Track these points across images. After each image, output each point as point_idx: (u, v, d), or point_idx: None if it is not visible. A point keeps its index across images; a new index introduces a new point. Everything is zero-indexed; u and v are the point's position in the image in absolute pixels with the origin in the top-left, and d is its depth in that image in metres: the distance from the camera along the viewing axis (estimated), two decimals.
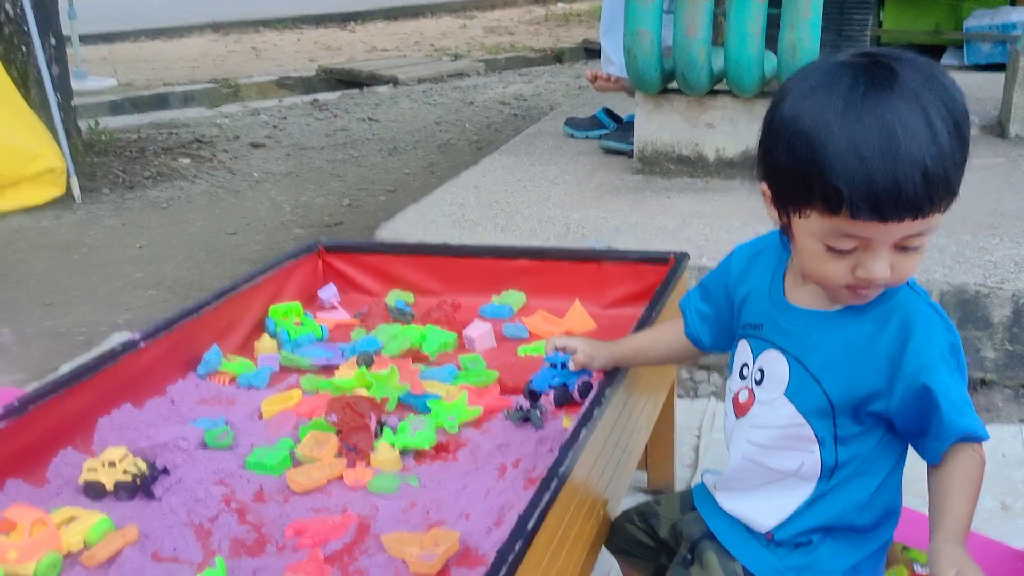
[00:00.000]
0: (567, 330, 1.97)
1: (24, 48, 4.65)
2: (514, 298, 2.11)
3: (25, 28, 4.53)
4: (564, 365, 1.53)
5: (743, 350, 1.25)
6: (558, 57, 10.19)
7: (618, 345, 1.51)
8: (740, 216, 2.89)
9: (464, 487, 1.40)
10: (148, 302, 3.43)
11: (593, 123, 4.15)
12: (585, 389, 1.56)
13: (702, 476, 1.34)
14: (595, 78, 3.82)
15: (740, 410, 1.23)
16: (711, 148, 3.40)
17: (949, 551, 1.03)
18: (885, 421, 1.14)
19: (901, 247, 1.04)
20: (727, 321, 1.32)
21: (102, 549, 1.23)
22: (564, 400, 1.56)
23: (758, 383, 1.20)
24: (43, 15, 4.65)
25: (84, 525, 1.26)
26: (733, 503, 1.24)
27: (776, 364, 1.18)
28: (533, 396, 1.58)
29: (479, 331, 1.92)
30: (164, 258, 3.88)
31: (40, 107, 4.61)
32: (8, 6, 4.61)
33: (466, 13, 14.60)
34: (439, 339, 1.92)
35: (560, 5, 15.44)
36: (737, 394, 1.24)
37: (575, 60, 9.91)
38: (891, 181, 0.98)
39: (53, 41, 4.80)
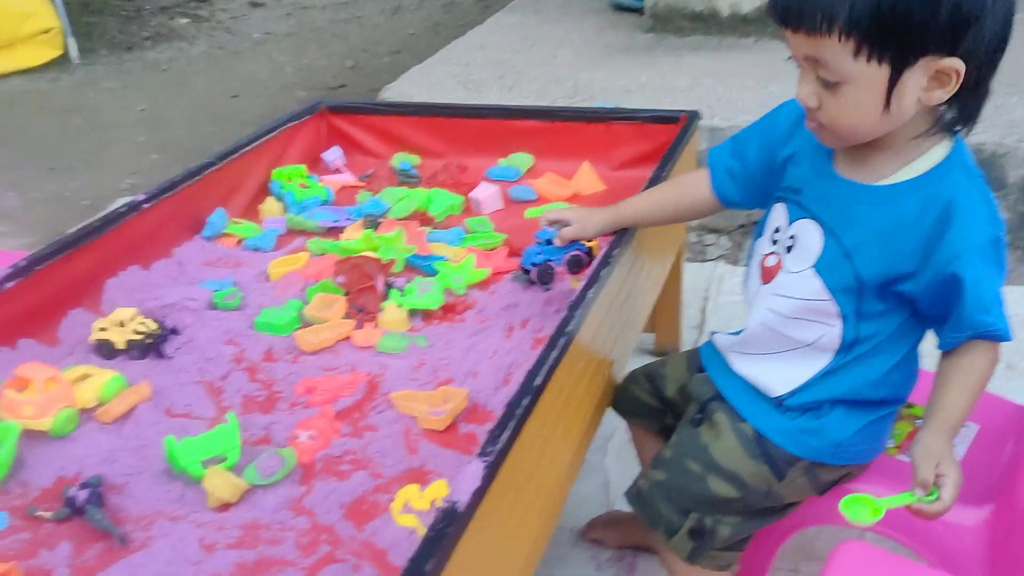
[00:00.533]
0: (575, 192, 1.94)
1: None
2: (521, 160, 2.08)
3: None
4: (551, 241, 1.50)
5: (778, 213, 1.20)
6: None
7: (620, 208, 1.45)
8: (754, 75, 2.81)
9: (471, 347, 1.40)
10: (152, 166, 3.40)
11: None
12: (574, 263, 1.53)
13: (711, 336, 1.34)
14: None
15: (766, 275, 1.20)
16: (725, 4, 3.29)
17: (933, 443, 1.03)
18: (910, 303, 1.12)
19: (824, 82, 1.01)
20: (760, 179, 1.27)
21: (116, 405, 1.25)
22: (548, 277, 1.54)
23: (788, 250, 1.17)
24: None
25: (98, 382, 1.28)
26: (746, 366, 1.24)
27: (810, 234, 1.15)
28: (524, 271, 1.56)
29: (486, 193, 1.90)
30: (166, 121, 3.82)
31: None
32: None
33: None
34: (446, 201, 1.90)
35: None
36: (765, 258, 1.21)
37: None
38: None
39: None
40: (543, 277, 1.53)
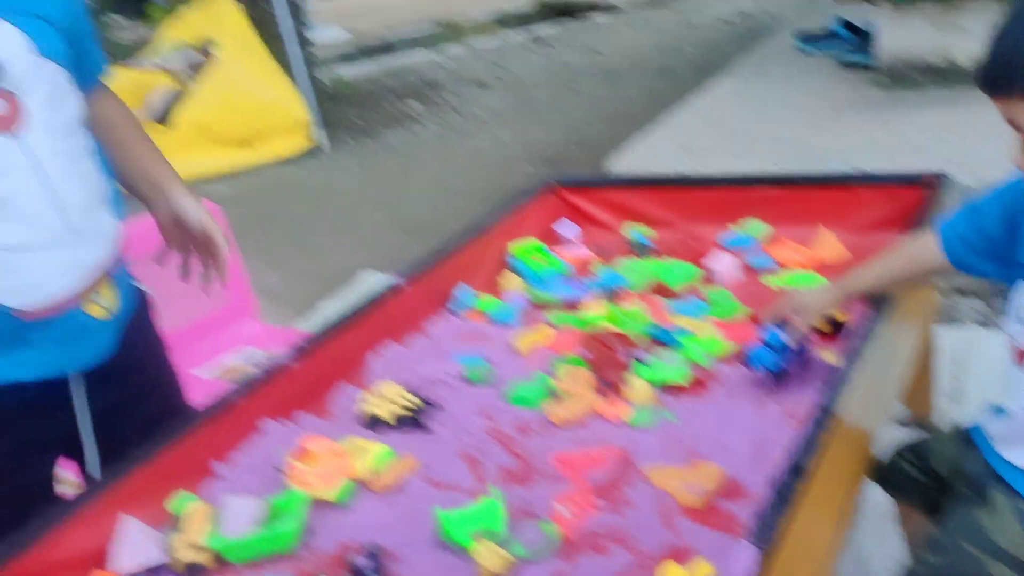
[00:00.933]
0: (815, 260, 1.90)
1: (265, 6, 4.96)
2: (756, 228, 2.06)
3: None
4: (779, 344, 1.42)
5: (1023, 292, 1.15)
6: None
7: (844, 285, 1.42)
8: (1000, 127, 2.65)
9: (722, 422, 1.39)
10: (392, 243, 3.63)
11: (829, 36, 3.92)
12: (802, 363, 1.44)
13: (978, 415, 1.27)
14: None
15: (1020, 357, 1.14)
16: (964, 54, 3.13)
17: None
18: None
19: None
20: (1001, 251, 1.21)
21: (388, 476, 1.33)
22: (783, 380, 1.44)
23: None
24: None
25: (370, 454, 1.37)
26: (1017, 454, 1.16)
27: None
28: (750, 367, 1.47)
29: (724, 263, 1.89)
30: (402, 200, 4.07)
31: (284, 62, 4.92)
32: None
33: None
34: (683, 272, 1.90)
35: None
36: (1017, 341, 1.15)
37: None
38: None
39: None
40: (778, 380, 1.45)
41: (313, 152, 4.81)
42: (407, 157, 4.68)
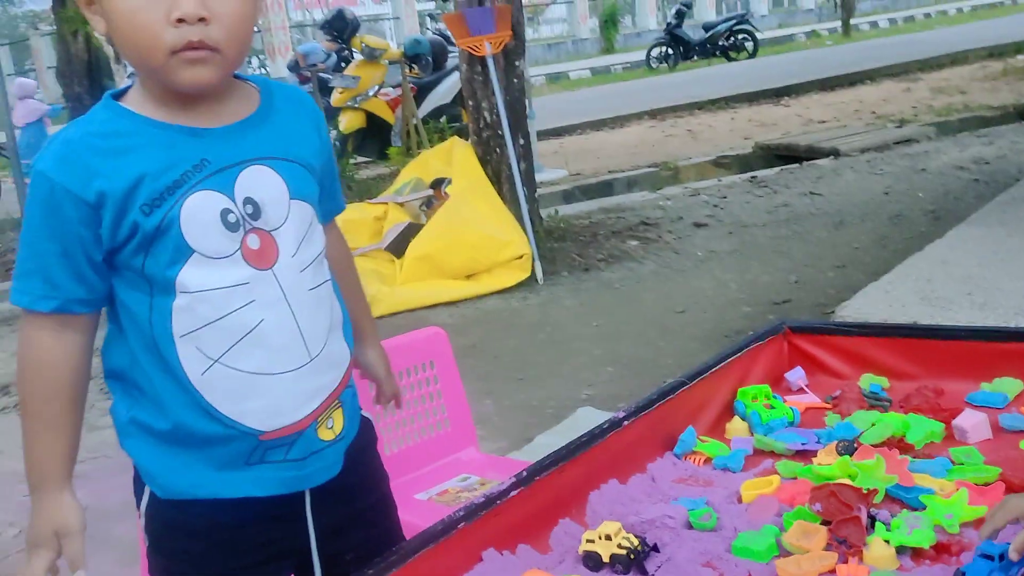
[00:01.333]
0: None
1: (498, 149, 5.25)
2: (1009, 385, 1.91)
3: (500, 132, 5.13)
4: (1002, 557, 1.25)
5: None
6: (1022, 114, 9.24)
7: None
8: None
9: None
10: (608, 378, 3.63)
11: None
12: None
13: None
14: None
15: None
16: None
17: None
18: None
19: None
20: None
21: None
22: None
23: None
24: (514, 119, 5.23)
25: None
26: None
27: None
28: None
29: (972, 421, 1.76)
30: (619, 336, 4.09)
31: (509, 200, 5.16)
32: (486, 113, 5.26)
33: (909, 76, 13.84)
34: (925, 428, 1.79)
35: (1020, 58, 14.03)
36: None
37: None
38: None
39: (522, 141, 5.37)
40: None
41: (531, 285, 4.96)
42: (624, 293, 4.72)
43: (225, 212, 1.20)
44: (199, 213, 1.19)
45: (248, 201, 1.22)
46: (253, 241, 1.22)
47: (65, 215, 1.18)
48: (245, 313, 1.22)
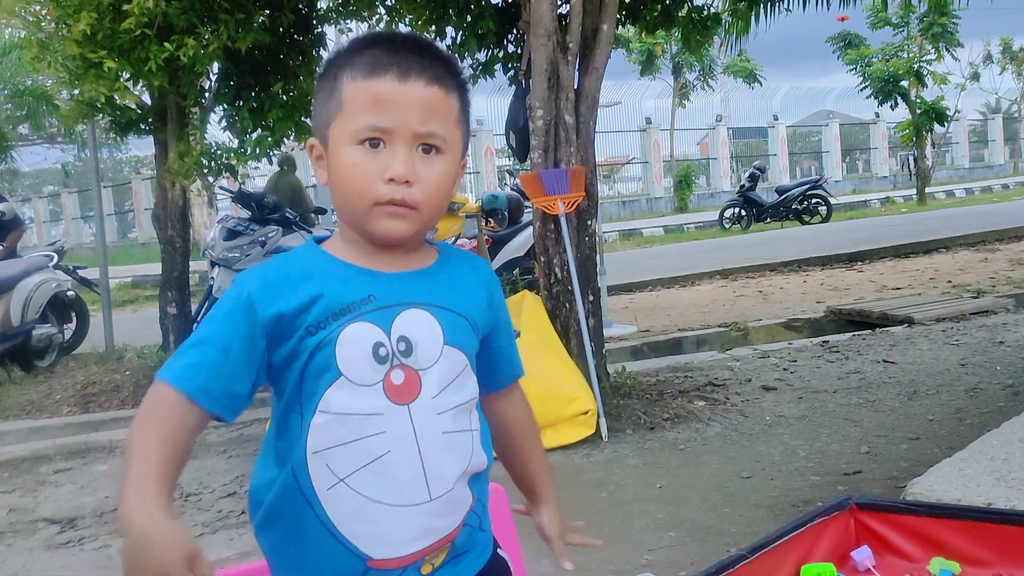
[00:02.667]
0: None
1: (568, 304, 5.33)
2: None
3: (570, 288, 5.22)
4: None
5: None
6: None
7: None
8: None
9: None
10: (669, 543, 3.54)
11: None
12: None
13: None
14: None
15: None
16: None
17: None
18: None
19: None
20: None
21: None
22: None
23: None
24: (584, 276, 5.33)
25: None
26: None
27: None
28: None
29: None
30: (682, 499, 4.00)
31: (577, 355, 5.19)
32: (557, 269, 5.37)
33: (987, 246, 13.72)
34: None
35: None
36: None
37: None
38: None
39: (591, 297, 5.44)
40: None
41: (595, 442, 4.91)
42: (689, 455, 4.65)
43: (378, 345, 1.31)
44: (355, 341, 1.31)
45: (402, 339, 1.33)
46: (397, 376, 1.32)
47: (244, 319, 1.31)
48: (374, 441, 1.31)
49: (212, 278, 7.88)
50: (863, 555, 2.06)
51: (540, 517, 1.66)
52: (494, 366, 1.49)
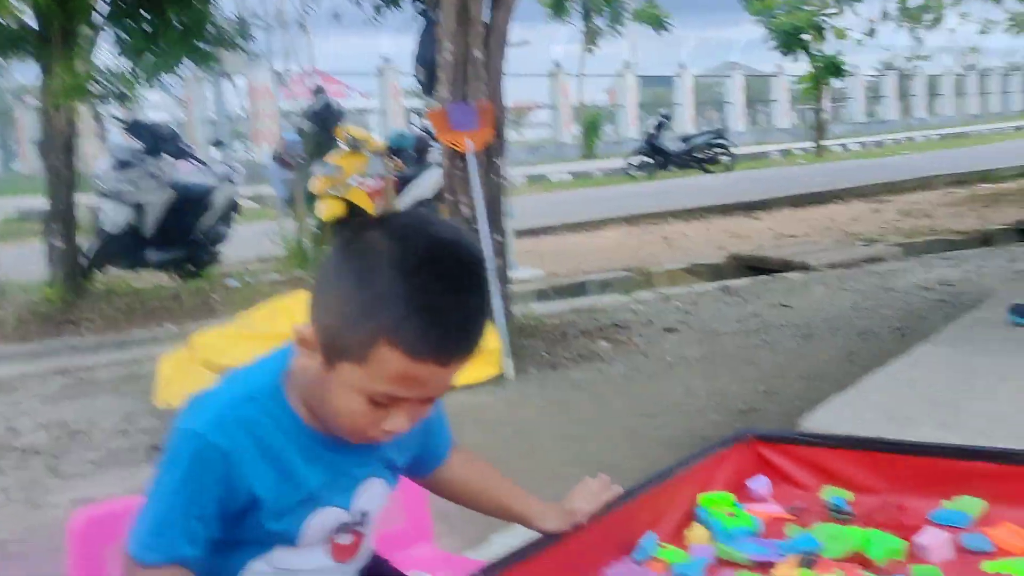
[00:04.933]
0: None
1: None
2: (971, 505, 1.89)
3: (476, 228, 5.17)
4: None
5: None
6: (987, 240, 9.48)
7: None
8: None
9: None
10: (572, 480, 3.54)
11: None
12: None
13: None
14: None
15: None
16: None
17: None
18: None
19: None
20: None
21: None
22: None
23: None
24: (491, 215, 5.28)
25: None
26: None
27: None
28: None
29: (935, 540, 1.73)
30: (585, 437, 4.05)
31: None
32: (464, 208, 5.31)
33: (878, 198, 14.20)
34: (885, 544, 1.75)
35: (985, 186, 14.47)
36: None
37: (1008, 243, 9.14)
38: None
39: (498, 238, 5.40)
40: None
41: (500, 381, 4.92)
42: (592, 395, 4.70)
43: (342, 524, 1.37)
44: (320, 525, 1.35)
45: (363, 513, 1.40)
46: (345, 538, 1.39)
47: (217, 480, 1.27)
48: None
49: (101, 210, 7.57)
50: (759, 484, 2.10)
51: (547, 524, 1.69)
52: (431, 451, 1.56)
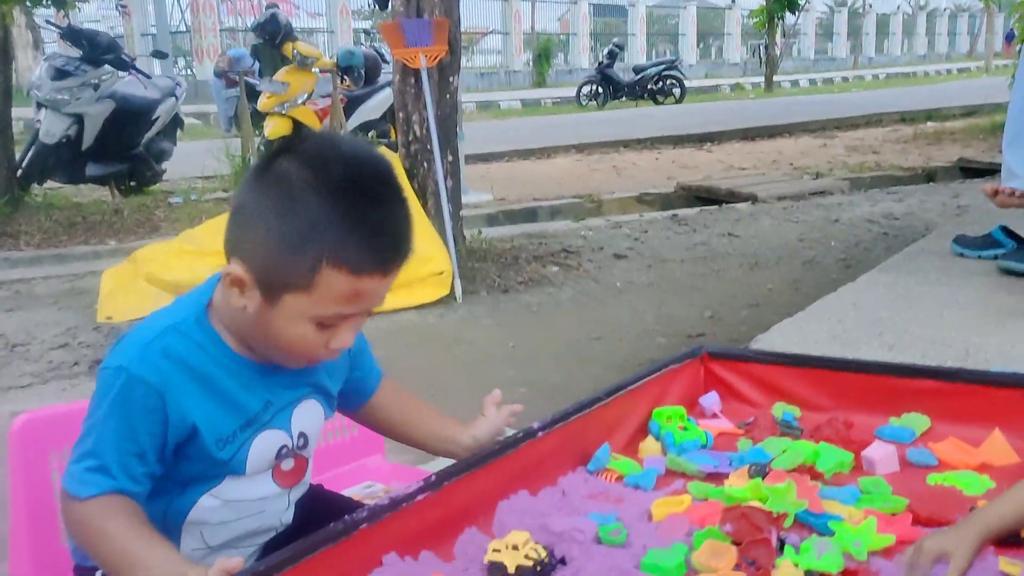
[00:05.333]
0: (983, 462, 1.76)
1: (426, 164, 5.20)
2: (916, 421, 1.94)
3: (429, 146, 5.09)
4: None
5: None
6: (930, 176, 9.63)
7: (984, 520, 1.31)
8: None
9: None
10: (520, 399, 3.53)
11: (988, 242, 3.81)
12: None
13: None
14: (996, 193, 3.52)
15: None
16: None
17: None
18: None
19: None
20: None
21: None
22: None
23: None
24: (444, 135, 5.19)
25: None
26: None
27: None
28: None
29: (881, 453, 1.77)
30: (534, 358, 4.06)
31: (434, 216, 5.11)
32: (416, 127, 5.21)
33: (825, 133, 14.32)
34: (835, 457, 1.79)
35: (930, 124, 14.66)
36: None
37: (950, 179, 9.30)
38: None
39: (450, 158, 5.33)
40: None
41: (449, 303, 4.90)
42: (541, 317, 4.71)
43: (282, 448, 1.38)
44: (263, 450, 1.35)
45: (301, 435, 1.41)
46: (288, 464, 1.41)
47: (151, 415, 1.26)
48: (252, 520, 1.40)
49: (38, 121, 7.29)
50: (711, 400, 2.12)
51: (466, 442, 1.70)
52: (360, 384, 1.58)
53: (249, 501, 1.38)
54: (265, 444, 1.35)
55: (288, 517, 1.48)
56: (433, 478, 1.53)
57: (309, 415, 1.42)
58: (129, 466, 1.25)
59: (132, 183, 8.33)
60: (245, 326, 1.30)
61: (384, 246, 1.25)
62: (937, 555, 1.27)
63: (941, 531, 1.32)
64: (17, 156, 7.35)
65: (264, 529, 1.44)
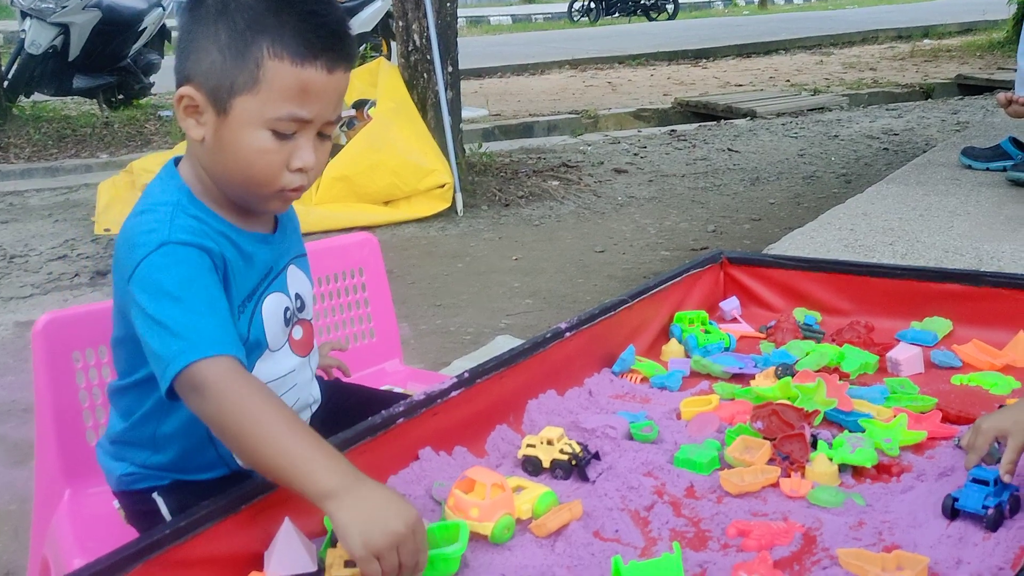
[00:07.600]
0: (1007, 363, 1.77)
1: (426, 75, 5.10)
2: (938, 324, 1.94)
3: (429, 57, 4.98)
4: (996, 481, 1.23)
5: None
6: (927, 93, 9.54)
7: None
8: None
9: (914, 514, 1.28)
10: (526, 309, 3.59)
11: (996, 153, 3.79)
12: (1015, 504, 1.24)
13: None
14: (1009, 102, 3.48)
15: None
16: None
17: None
18: None
19: None
20: None
21: (550, 520, 1.26)
22: (998, 523, 1.22)
23: None
24: (444, 45, 5.08)
25: (532, 495, 1.30)
26: None
27: None
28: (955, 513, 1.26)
29: (907, 354, 1.78)
30: (538, 270, 4.05)
31: (434, 128, 5.03)
32: (416, 37, 5.10)
33: (822, 49, 14.12)
34: (859, 359, 1.80)
35: (927, 41, 14.48)
36: None
37: (947, 96, 9.21)
38: None
39: (450, 69, 5.22)
40: (993, 523, 1.22)
41: (450, 216, 4.87)
42: (543, 230, 4.68)
43: (286, 310, 1.38)
44: (274, 315, 1.35)
45: (298, 296, 1.41)
46: (297, 332, 1.41)
47: (204, 269, 1.24)
48: (291, 395, 1.40)
49: (23, 32, 7.10)
50: (731, 305, 2.12)
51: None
52: None
53: (282, 377, 1.38)
54: (272, 307, 1.35)
55: (315, 390, 1.50)
56: (467, 375, 1.53)
57: (298, 278, 1.43)
58: (227, 327, 1.19)
59: (120, 96, 8.16)
60: (212, 165, 1.28)
61: (321, 32, 1.23)
62: (996, 434, 1.27)
63: (998, 411, 1.33)
64: (3, 68, 7.18)
65: (300, 407, 1.44)
